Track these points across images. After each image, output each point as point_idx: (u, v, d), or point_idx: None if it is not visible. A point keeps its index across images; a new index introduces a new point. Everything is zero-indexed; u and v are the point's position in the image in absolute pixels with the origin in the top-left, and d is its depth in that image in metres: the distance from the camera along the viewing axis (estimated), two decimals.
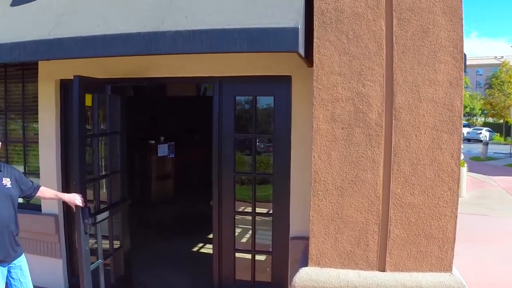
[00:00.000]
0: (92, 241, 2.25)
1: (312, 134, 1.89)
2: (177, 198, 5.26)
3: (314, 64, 1.88)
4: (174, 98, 6.11)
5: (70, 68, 2.50)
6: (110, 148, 2.49)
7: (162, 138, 5.13)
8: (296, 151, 2.37)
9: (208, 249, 3.71)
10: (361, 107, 1.87)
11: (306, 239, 2.34)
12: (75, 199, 2.11)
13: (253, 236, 2.50)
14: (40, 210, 2.84)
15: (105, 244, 2.46)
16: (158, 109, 6.26)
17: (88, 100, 2.22)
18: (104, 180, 2.48)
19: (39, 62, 2.79)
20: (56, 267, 2.82)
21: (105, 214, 2.33)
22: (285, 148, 2.39)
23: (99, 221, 2.29)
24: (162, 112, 6.25)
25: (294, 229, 2.39)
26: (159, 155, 4.95)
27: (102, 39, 1.88)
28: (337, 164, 1.90)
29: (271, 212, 2.48)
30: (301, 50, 1.77)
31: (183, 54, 2.42)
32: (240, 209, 2.66)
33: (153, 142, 4.99)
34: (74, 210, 2.18)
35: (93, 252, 2.30)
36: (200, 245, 3.84)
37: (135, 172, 5.13)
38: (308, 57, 1.97)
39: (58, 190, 2.77)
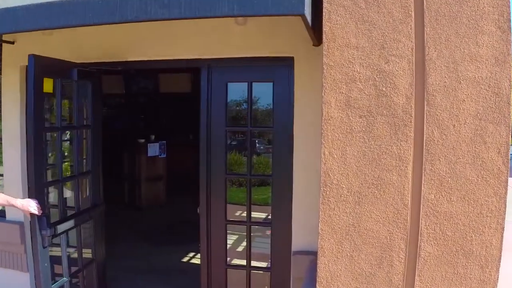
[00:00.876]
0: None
1: (321, 125, 1.51)
2: (168, 202, 4.87)
3: (324, 35, 1.49)
4: (167, 93, 5.78)
5: (38, 52, 2.14)
6: (79, 145, 2.09)
7: (153, 137, 4.74)
8: (300, 147, 1.98)
9: (199, 259, 3.33)
10: (384, 89, 1.47)
11: (312, 253, 1.94)
12: (29, 205, 1.71)
13: (248, 249, 2.09)
14: (4, 217, 2.48)
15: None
16: (149, 104, 5.91)
17: (49, 86, 1.83)
18: (70, 183, 2.08)
19: (3, 45, 2.42)
20: (22, 281, 2.45)
21: (70, 223, 1.93)
22: (287, 143, 2.00)
23: (62, 232, 1.89)
24: (153, 108, 5.90)
25: (298, 241, 1.99)
26: (149, 155, 4.56)
27: (59, 6, 1.50)
28: (354, 163, 1.50)
29: (269, 220, 2.08)
30: (308, 14, 1.37)
31: (165, 33, 2.05)
32: (237, 213, 2.27)
33: (143, 140, 4.60)
34: (29, 219, 1.79)
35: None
36: (191, 254, 3.45)
37: (123, 174, 4.76)
38: (316, 28, 1.57)
39: (24, 197, 2.41)
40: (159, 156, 4.66)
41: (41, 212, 1.76)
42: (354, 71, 1.48)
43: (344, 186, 1.50)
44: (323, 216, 1.52)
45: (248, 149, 2.04)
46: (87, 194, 2.15)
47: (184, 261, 3.32)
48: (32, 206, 1.72)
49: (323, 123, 1.50)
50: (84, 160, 2.15)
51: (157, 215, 4.52)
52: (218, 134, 2.04)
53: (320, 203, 1.52)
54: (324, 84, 1.50)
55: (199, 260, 3.28)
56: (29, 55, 1.71)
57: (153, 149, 4.58)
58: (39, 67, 1.74)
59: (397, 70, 1.46)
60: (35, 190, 1.76)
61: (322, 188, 1.51)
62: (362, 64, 1.48)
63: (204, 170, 2.06)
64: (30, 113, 1.72)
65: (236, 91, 2.14)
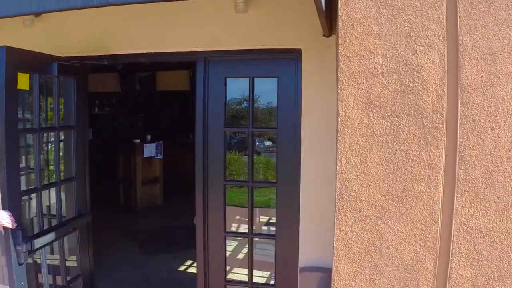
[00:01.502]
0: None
1: (336, 126, 1.30)
2: (165, 205, 4.66)
3: (340, 21, 1.27)
4: (164, 91, 5.56)
5: (17, 46, 1.92)
6: (62, 148, 1.87)
7: (149, 137, 4.52)
8: (309, 152, 1.76)
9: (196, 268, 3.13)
10: (411, 84, 1.26)
11: (321, 270, 1.73)
12: (1, 218, 1.50)
13: (250, 263, 1.88)
14: None
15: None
16: (146, 103, 5.70)
17: (24, 82, 1.61)
18: (50, 190, 1.86)
19: None
20: None
21: (49, 236, 1.72)
22: (293, 147, 1.78)
23: (40, 247, 1.68)
24: (150, 107, 5.69)
25: (306, 257, 1.78)
26: (145, 156, 4.34)
27: None
28: (375, 172, 1.28)
29: (273, 233, 1.87)
30: None
31: (156, 22, 1.82)
32: (237, 217, 2.04)
33: (139, 141, 4.38)
34: (2, 233, 1.58)
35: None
36: (188, 262, 3.24)
37: (118, 176, 4.55)
38: (329, 14, 1.35)
39: (4, 206, 2.20)
40: (156, 157, 4.44)
41: (15, 225, 1.55)
42: (376, 63, 1.27)
43: (363, 198, 1.29)
44: (339, 234, 1.30)
45: (250, 152, 1.83)
46: (71, 203, 1.94)
47: (180, 270, 3.10)
48: (4, 218, 1.51)
49: (340, 124, 1.29)
50: (67, 165, 1.93)
51: (153, 219, 4.31)
52: (216, 136, 1.83)
53: (336, 219, 1.30)
54: (340, 79, 1.28)
55: (196, 269, 3.13)
56: (0, 47, 1.49)
57: (149, 150, 4.36)
58: (12, 61, 1.52)
59: (426, 63, 1.25)
60: (8, 199, 1.54)
61: (337, 201, 1.30)
62: (385, 55, 1.26)
63: (201, 176, 1.84)
64: (1, 113, 1.50)
65: (236, 87, 1.92)
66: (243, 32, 1.79)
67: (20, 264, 1.58)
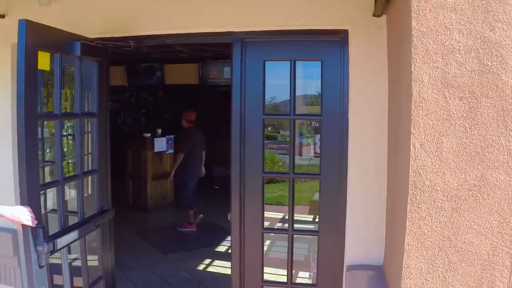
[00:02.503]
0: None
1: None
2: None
3: None
4: (172, 85, 5.37)
5: None
6: (83, 137, 1.70)
7: (160, 131, 4.35)
8: (357, 141, 1.62)
9: (216, 267, 2.98)
10: (489, 63, 1.12)
11: (371, 268, 1.60)
12: (20, 215, 1.33)
13: (290, 263, 1.73)
14: None
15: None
16: (154, 97, 5.51)
17: (45, 62, 1.44)
18: (72, 183, 1.70)
19: None
20: None
21: (72, 235, 1.55)
22: (339, 136, 1.64)
23: (63, 247, 1.51)
24: (158, 101, 5.50)
25: (353, 254, 1.64)
26: (155, 150, 4.17)
27: None
28: (452, 159, 1.14)
29: (314, 227, 1.73)
30: None
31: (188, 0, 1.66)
32: (269, 215, 1.89)
33: (149, 135, 4.20)
34: (21, 231, 1.41)
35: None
36: (207, 261, 3.09)
37: (127, 171, 4.37)
38: None
39: (16, 200, 2.01)
40: (166, 152, 4.27)
41: (36, 222, 1.38)
42: (452, 39, 1.13)
43: (438, 188, 1.15)
44: (411, 228, 1.17)
45: (291, 142, 1.67)
46: (93, 198, 1.77)
47: (200, 270, 2.95)
48: (23, 215, 1.34)
49: (413, 106, 1.14)
50: (87, 156, 1.76)
51: (164, 217, 4.15)
52: (254, 124, 1.67)
53: (408, 211, 1.17)
54: (414, 56, 1.14)
55: (216, 268, 2.98)
56: (19, 20, 1.32)
57: (160, 144, 4.18)
58: (32, 37, 1.35)
59: (504, 40, 1.11)
60: (28, 194, 1.37)
61: (410, 192, 1.16)
62: (461, 31, 1.12)
63: (238, 167, 1.69)
64: (20, 95, 1.33)
65: (275, 71, 1.76)
66: (284, 11, 1.63)
67: (40, 267, 1.42)
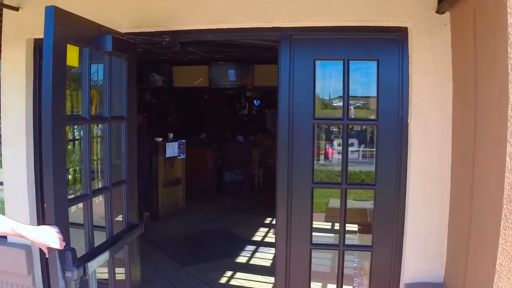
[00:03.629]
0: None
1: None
2: (188, 210, 4.29)
3: None
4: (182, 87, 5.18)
5: None
6: (111, 144, 1.51)
7: (171, 135, 4.15)
8: (419, 148, 1.46)
9: (239, 279, 2.79)
10: None
11: (432, 286, 1.45)
12: (46, 237, 1.13)
13: (340, 281, 1.56)
14: (6, 238, 1.89)
15: None
16: (164, 100, 5.31)
17: (74, 57, 1.25)
18: (100, 197, 1.50)
19: (3, 12, 1.81)
20: None
21: (104, 256, 1.36)
22: (397, 142, 1.49)
23: (93, 271, 1.32)
24: (169, 105, 5.30)
25: (411, 271, 1.48)
26: (167, 155, 3.97)
27: None
28: None
29: (367, 242, 1.57)
30: None
31: None
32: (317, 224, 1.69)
33: (161, 139, 4.00)
34: (47, 255, 1.21)
35: None
36: (228, 273, 2.90)
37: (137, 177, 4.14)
38: None
39: (32, 215, 1.82)
40: (178, 157, 4.07)
41: (64, 244, 1.18)
42: None
43: None
44: (504, 246, 1.02)
45: (344, 148, 1.51)
46: (123, 212, 1.58)
47: (222, 283, 2.76)
48: (50, 236, 1.14)
49: (511, 111, 1.00)
50: (117, 165, 1.57)
51: (177, 225, 3.94)
52: (303, 129, 1.51)
53: (501, 228, 1.02)
54: (511, 56, 0.99)
55: (239, 281, 2.77)
56: (46, 8, 1.13)
57: (172, 149, 3.99)
58: (61, 27, 1.16)
59: None
60: (55, 211, 1.18)
61: (505, 206, 1.01)
62: None
63: (285, 177, 1.52)
64: (47, 94, 1.14)
65: (325, 71, 1.60)
66: (337, 5, 1.48)
67: None
